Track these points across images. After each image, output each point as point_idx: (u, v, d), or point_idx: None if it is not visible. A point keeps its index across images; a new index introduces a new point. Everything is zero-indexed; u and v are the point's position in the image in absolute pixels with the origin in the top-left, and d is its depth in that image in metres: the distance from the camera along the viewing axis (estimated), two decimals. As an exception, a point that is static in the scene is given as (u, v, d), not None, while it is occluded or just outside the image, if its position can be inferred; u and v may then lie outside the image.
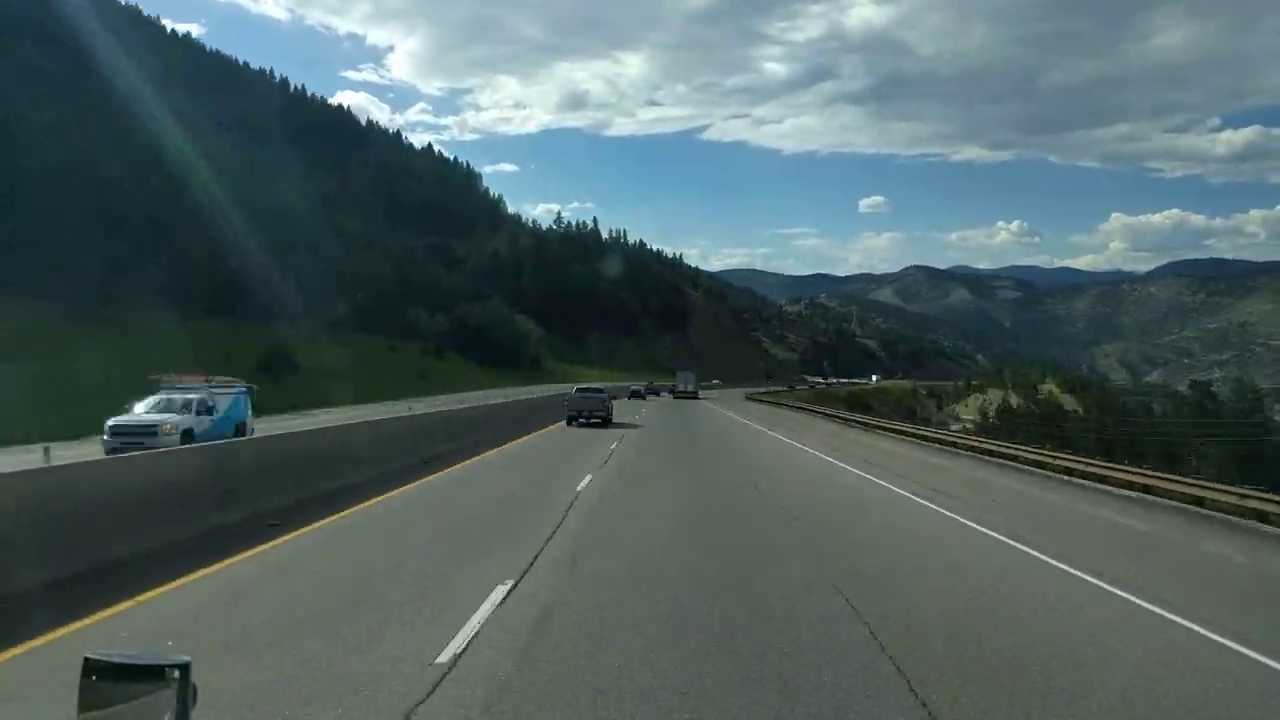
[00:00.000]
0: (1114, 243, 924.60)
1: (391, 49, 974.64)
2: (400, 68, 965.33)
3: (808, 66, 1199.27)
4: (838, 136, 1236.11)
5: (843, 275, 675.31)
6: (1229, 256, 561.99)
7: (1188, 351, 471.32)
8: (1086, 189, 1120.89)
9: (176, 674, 1.86)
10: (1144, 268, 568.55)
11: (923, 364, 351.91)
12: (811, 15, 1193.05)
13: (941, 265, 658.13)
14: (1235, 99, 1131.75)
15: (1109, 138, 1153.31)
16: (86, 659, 1.88)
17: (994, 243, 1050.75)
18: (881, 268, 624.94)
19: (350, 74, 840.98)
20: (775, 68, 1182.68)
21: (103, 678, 1.85)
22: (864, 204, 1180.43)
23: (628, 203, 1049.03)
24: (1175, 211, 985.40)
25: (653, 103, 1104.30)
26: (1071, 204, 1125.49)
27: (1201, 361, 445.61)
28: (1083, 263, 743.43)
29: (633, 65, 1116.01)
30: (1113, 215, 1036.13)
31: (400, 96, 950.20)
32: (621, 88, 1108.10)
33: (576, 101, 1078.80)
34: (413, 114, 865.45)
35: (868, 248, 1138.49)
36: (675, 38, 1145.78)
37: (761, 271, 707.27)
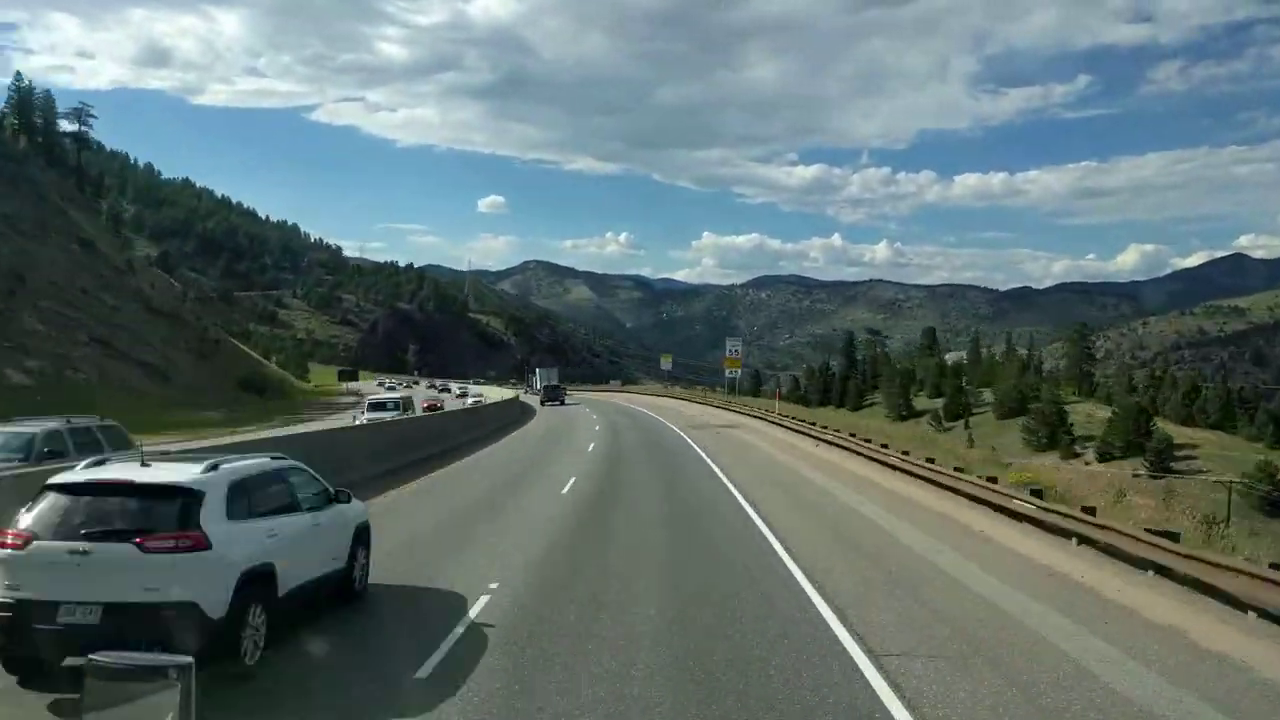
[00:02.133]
0: (705, 259, 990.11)
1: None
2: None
3: (430, 53, 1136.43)
4: (455, 133, 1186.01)
5: (460, 269, 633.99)
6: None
7: (798, 353, 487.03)
8: (684, 206, 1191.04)
9: (178, 674, 1.87)
10: (735, 282, 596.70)
11: (569, 360, 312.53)
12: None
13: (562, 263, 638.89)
14: (805, 135, 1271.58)
15: (706, 160, 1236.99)
16: (90, 660, 1.94)
17: (605, 252, 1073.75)
18: (499, 267, 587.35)
19: None
20: (393, 50, 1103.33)
21: (106, 678, 1.88)
22: (483, 204, 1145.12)
23: (229, 175, 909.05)
24: (755, 235, 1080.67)
25: (254, 71, 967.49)
26: (671, 220, 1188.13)
27: (814, 360, 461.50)
28: (680, 274, 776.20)
29: (228, 24, 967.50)
30: (705, 234, 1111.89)
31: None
32: (218, 49, 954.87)
33: (159, 58, 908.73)
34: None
35: (486, 248, 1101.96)
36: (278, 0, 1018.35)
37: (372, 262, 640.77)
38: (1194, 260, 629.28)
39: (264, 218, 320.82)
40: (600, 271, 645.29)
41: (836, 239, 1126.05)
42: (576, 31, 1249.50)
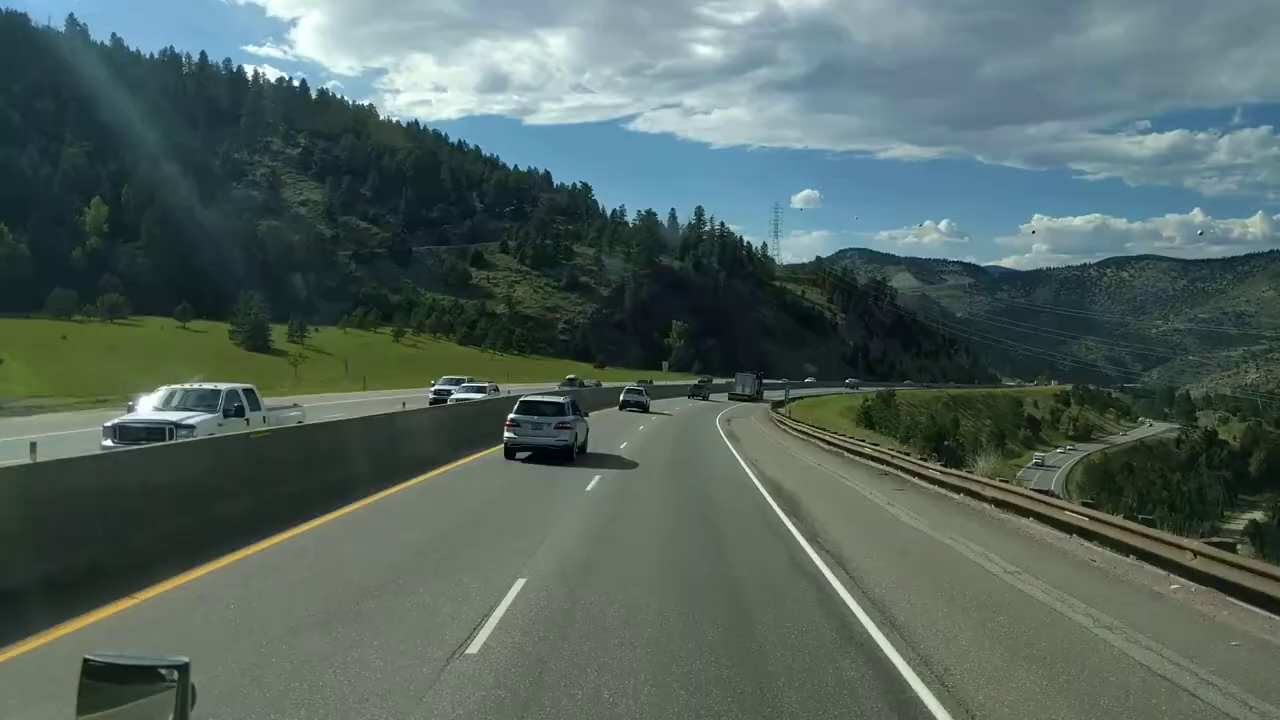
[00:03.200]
0: (1037, 244, 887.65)
1: (294, 22, 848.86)
2: (306, 43, 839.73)
3: (743, 51, 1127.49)
4: (768, 130, 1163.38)
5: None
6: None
7: (1177, 343, 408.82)
8: (1011, 189, 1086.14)
9: (175, 674, 1.87)
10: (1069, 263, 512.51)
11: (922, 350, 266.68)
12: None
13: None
14: (1160, 99, 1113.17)
15: (1038, 136, 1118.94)
16: (85, 660, 1.88)
17: (924, 241, 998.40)
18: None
19: (252, 49, 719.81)
20: (708, 51, 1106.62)
21: (101, 679, 1.86)
22: (796, 199, 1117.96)
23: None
24: (1096, 215, 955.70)
25: (580, 88, 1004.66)
26: (997, 204, 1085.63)
27: (1201, 349, 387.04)
28: (1008, 261, 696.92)
29: (556, 45, 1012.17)
30: (1035, 216, 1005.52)
31: (311, 76, 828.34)
32: (549, 69, 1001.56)
33: (498, 84, 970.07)
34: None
35: (798, 245, 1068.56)
36: (600, 16, 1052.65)
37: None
38: None
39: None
40: (924, 257, 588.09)
41: (1198, 213, 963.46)
42: (893, 10, 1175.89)
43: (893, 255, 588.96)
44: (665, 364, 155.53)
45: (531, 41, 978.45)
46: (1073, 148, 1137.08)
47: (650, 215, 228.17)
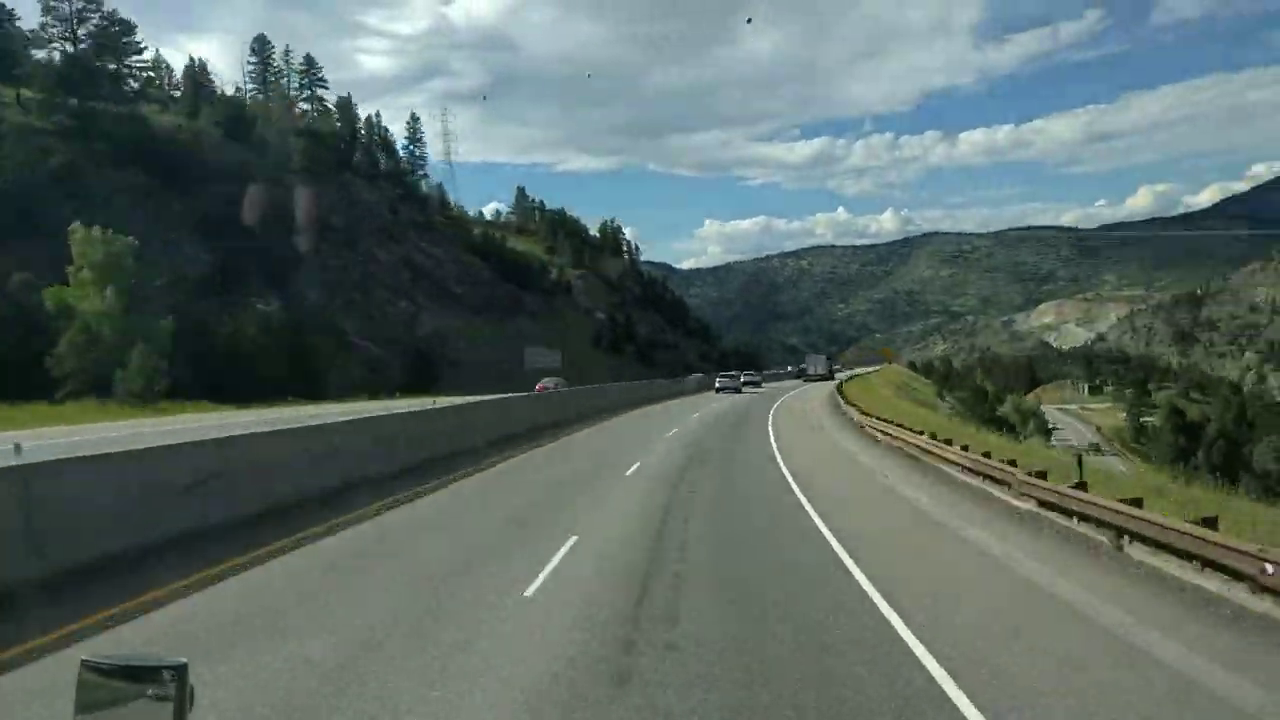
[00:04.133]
0: (711, 247, 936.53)
1: None
2: None
3: (415, 62, 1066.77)
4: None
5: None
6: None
7: (862, 323, 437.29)
8: (685, 194, 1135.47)
9: (173, 675, 1.87)
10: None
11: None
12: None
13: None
14: (807, 108, 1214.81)
15: (708, 143, 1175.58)
16: (84, 661, 1.89)
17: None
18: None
19: None
20: (377, 63, 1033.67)
21: (100, 679, 1.86)
22: (486, 210, 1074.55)
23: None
24: (761, 218, 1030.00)
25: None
26: (672, 210, 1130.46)
27: (883, 328, 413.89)
28: (687, 265, 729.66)
29: (205, 54, 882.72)
30: (707, 221, 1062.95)
31: None
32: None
33: None
34: None
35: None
36: (252, 24, 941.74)
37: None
38: (1206, 197, 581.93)
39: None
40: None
41: (842, 212, 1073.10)
42: (562, 20, 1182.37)
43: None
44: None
45: (173, 49, 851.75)
46: (737, 155, 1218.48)
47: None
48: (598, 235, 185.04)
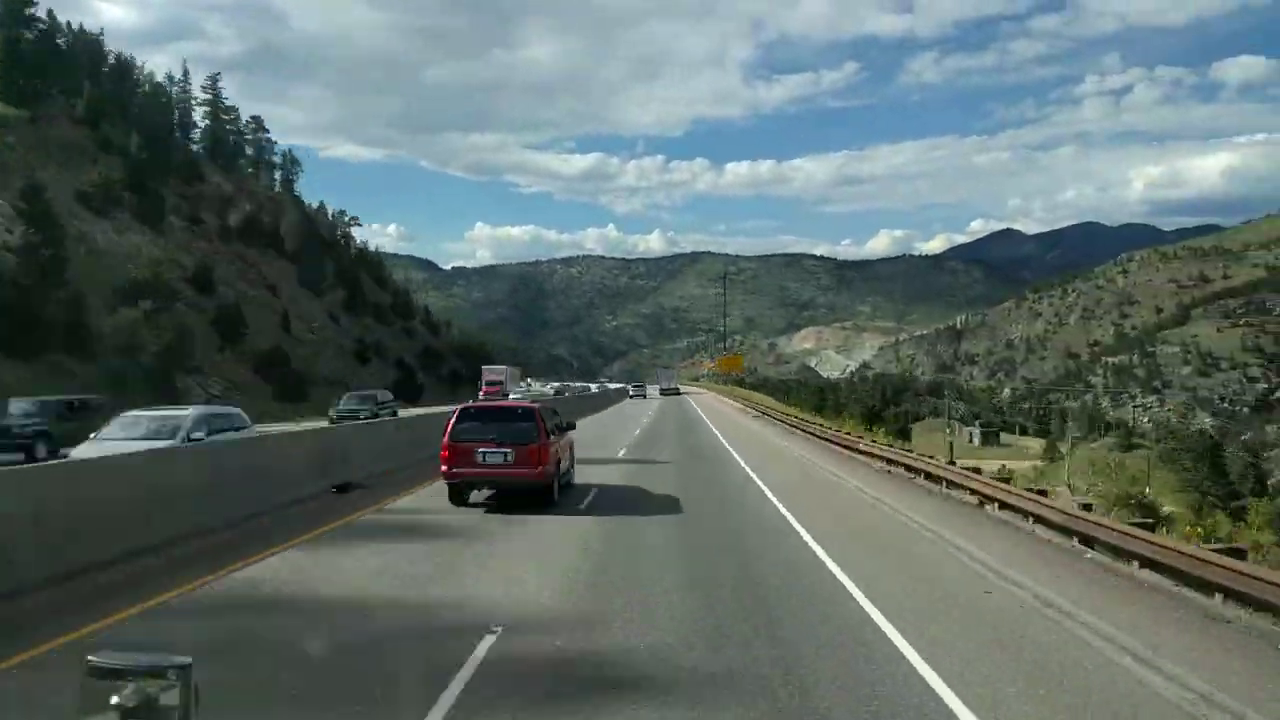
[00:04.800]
0: (481, 250, 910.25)
1: None
2: None
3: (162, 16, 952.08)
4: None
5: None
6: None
7: (629, 337, 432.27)
8: (456, 195, 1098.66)
9: (178, 674, 1.86)
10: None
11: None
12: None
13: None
14: (584, 123, 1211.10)
15: (483, 145, 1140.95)
16: (88, 660, 1.87)
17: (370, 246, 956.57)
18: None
19: None
20: (118, 13, 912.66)
21: (104, 679, 1.84)
22: None
23: None
24: (531, 226, 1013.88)
25: None
26: (443, 210, 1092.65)
27: (646, 343, 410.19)
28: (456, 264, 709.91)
29: None
30: (478, 224, 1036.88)
31: None
32: None
33: None
34: None
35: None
36: None
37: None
38: (936, 245, 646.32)
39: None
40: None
41: (612, 229, 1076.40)
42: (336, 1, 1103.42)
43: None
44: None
45: None
46: (509, 160, 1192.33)
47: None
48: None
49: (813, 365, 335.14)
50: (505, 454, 14.30)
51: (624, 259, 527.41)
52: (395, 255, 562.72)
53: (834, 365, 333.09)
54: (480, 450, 14.39)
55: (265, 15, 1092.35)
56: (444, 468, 14.52)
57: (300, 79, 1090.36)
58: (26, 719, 5.89)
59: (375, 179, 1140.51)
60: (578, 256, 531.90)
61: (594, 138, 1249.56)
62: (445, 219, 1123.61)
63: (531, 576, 9.76)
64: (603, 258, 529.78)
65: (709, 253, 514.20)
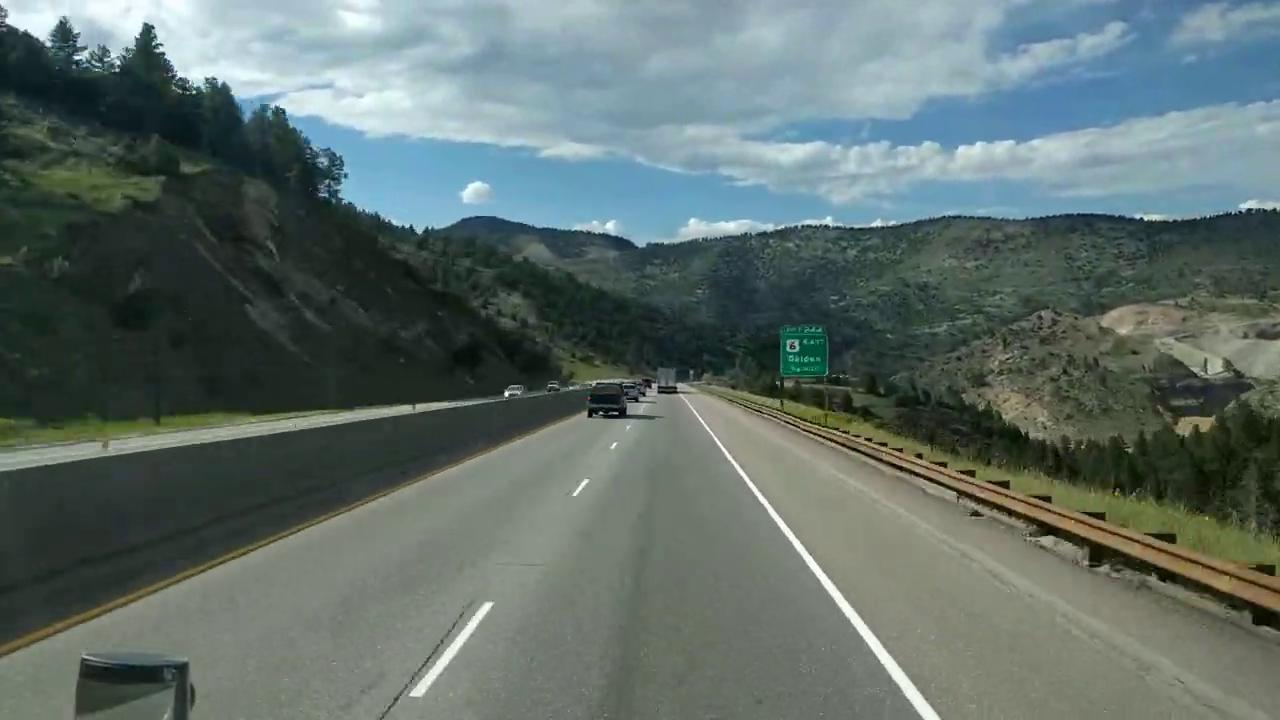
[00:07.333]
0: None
1: None
2: None
3: (401, 24, 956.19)
4: (430, 120, 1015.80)
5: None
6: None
7: (862, 319, 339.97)
8: (670, 191, 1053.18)
9: (174, 674, 1.85)
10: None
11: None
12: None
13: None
14: (804, 107, 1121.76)
15: (698, 138, 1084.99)
16: (84, 659, 1.86)
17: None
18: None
19: None
20: (361, 21, 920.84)
21: (100, 679, 1.83)
22: (466, 193, 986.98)
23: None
24: (745, 220, 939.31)
25: (209, 57, 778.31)
26: (658, 206, 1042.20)
27: (886, 325, 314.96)
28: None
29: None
30: (691, 220, 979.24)
31: None
32: (171, 27, 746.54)
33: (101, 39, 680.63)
34: None
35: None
36: None
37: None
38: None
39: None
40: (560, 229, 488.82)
41: (829, 220, 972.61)
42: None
43: (525, 225, 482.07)
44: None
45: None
46: (727, 152, 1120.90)
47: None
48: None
49: (1172, 355, 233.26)
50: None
51: (850, 227, 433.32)
52: (585, 234, 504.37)
53: (1187, 358, 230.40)
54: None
55: (496, 15, 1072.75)
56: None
57: (525, 77, 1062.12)
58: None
59: (592, 175, 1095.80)
60: (796, 227, 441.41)
61: (815, 124, 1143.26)
62: (659, 215, 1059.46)
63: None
64: (826, 227, 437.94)
65: (960, 216, 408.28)
